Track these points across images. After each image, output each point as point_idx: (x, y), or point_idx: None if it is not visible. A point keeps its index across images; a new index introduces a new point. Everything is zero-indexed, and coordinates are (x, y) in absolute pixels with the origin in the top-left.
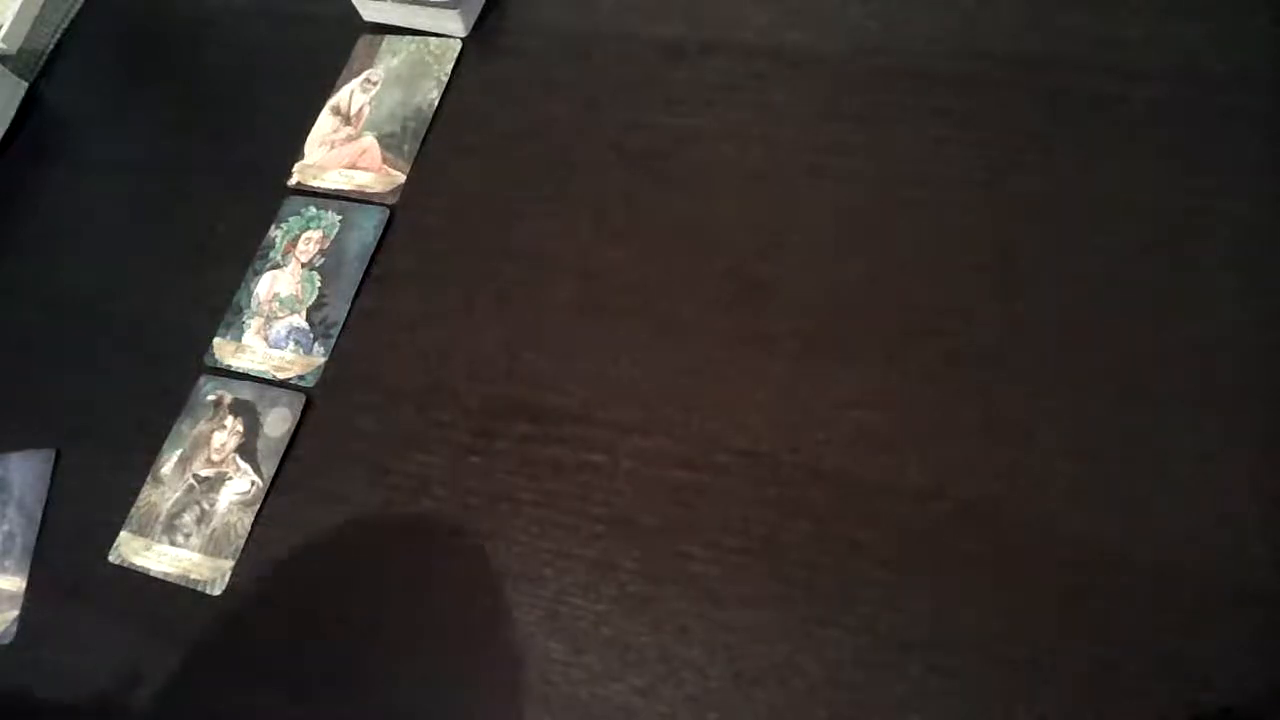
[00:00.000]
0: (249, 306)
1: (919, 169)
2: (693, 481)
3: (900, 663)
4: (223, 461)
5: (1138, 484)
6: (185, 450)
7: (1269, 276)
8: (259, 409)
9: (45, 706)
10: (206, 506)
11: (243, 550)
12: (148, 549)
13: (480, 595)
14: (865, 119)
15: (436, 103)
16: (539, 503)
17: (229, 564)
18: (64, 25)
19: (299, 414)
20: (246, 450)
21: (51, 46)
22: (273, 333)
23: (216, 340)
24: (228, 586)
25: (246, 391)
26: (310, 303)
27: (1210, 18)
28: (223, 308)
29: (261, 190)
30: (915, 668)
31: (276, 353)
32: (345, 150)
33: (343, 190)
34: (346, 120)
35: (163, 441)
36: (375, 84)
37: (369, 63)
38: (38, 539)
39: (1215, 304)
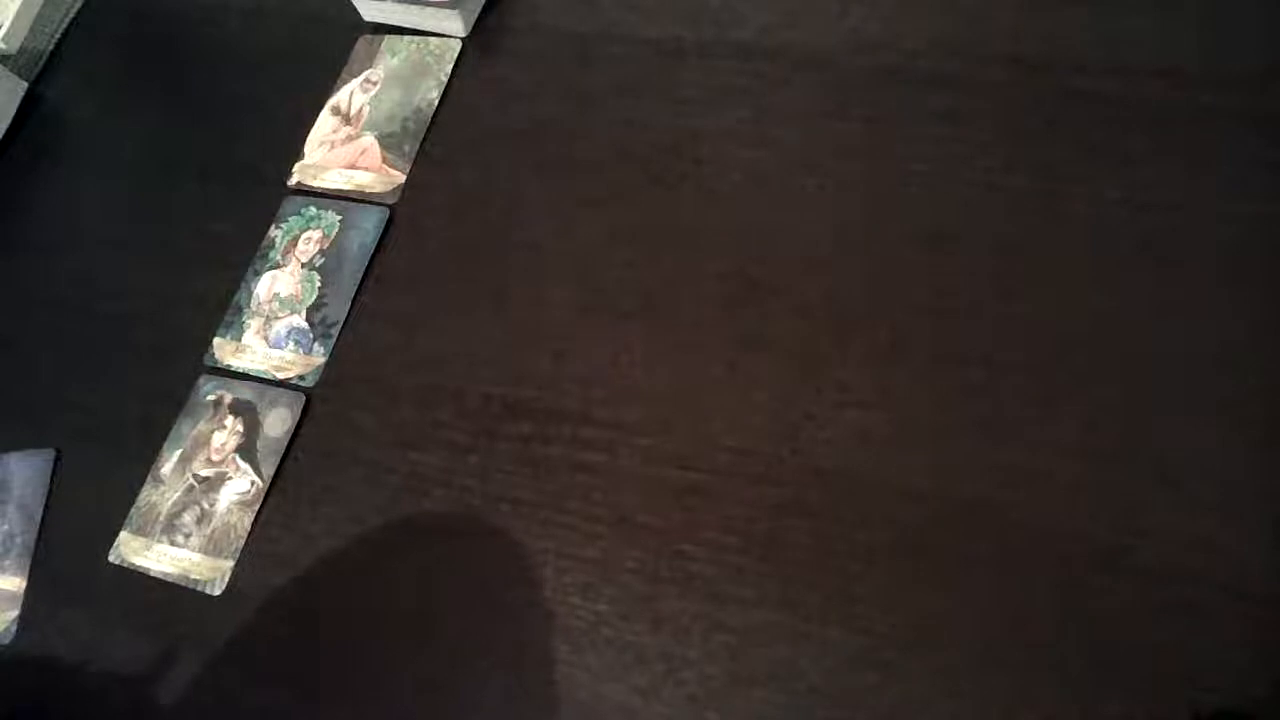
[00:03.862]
0: (249, 306)
1: (919, 169)
2: (693, 481)
3: (900, 663)
4: (223, 461)
5: (1138, 484)
6: (185, 450)
7: (1268, 276)
8: (259, 409)
9: (45, 707)
10: (206, 506)
11: (243, 550)
12: (148, 549)
13: (480, 595)
14: (865, 119)
15: (436, 103)
16: (539, 503)
17: (229, 564)
18: (64, 25)
19: (299, 414)
20: (246, 450)
21: (51, 46)
22: (273, 333)
23: (216, 340)
24: (228, 586)
25: (246, 391)
26: (310, 303)
27: (1210, 18)
28: (223, 308)
29: (261, 190)
30: (915, 668)
31: (276, 353)
32: (345, 150)
33: (343, 190)
34: (346, 120)
35: (163, 441)
36: (375, 84)
37: (369, 63)
38: (38, 539)
39: (1215, 303)
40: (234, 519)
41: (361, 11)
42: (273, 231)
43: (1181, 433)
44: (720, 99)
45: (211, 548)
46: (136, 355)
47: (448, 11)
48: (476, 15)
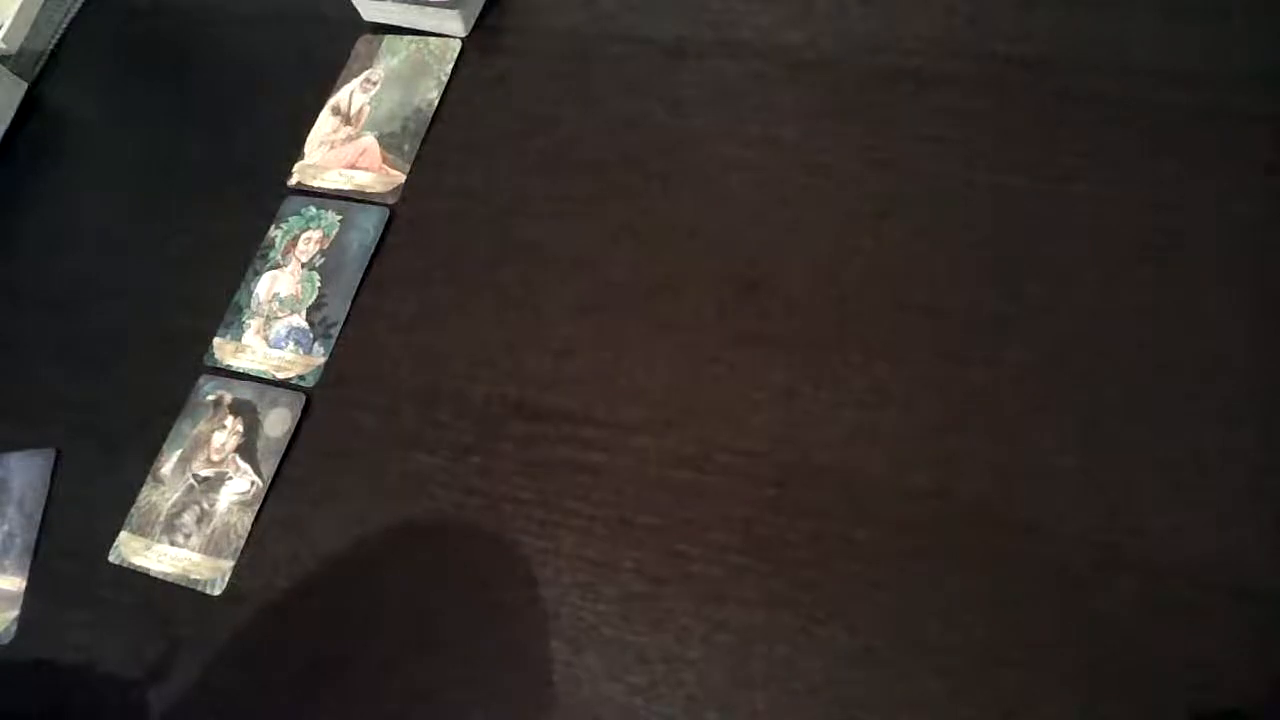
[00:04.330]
0: (249, 306)
1: (919, 169)
2: (693, 481)
3: (900, 663)
4: (223, 461)
5: (1138, 484)
6: (185, 450)
7: (1268, 276)
8: (259, 409)
9: (45, 706)
10: (206, 506)
11: (243, 550)
12: (148, 549)
13: (480, 595)
14: (865, 119)
15: (436, 102)
16: (539, 503)
17: (229, 564)
18: (64, 25)
19: (299, 414)
20: (246, 450)
21: (51, 46)
22: (273, 332)
23: (216, 340)
24: (228, 586)
25: (246, 391)
26: (310, 303)
27: (1209, 18)
28: (223, 308)
29: (261, 190)
30: (915, 667)
31: (276, 353)
32: (345, 150)
33: (343, 190)
34: (346, 120)
35: (163, 441)
36: (375, 84)
37: (369, 63)
38: (38, 539)
39: (1215, 304)
40: (234, 519)
41: (361, 11)
42: (273, 231)
43: (1181, 433)
44: (720, 99)
45: (211, 548)
46: (136, 355)
47: (448, 11)
48: (476, 15)
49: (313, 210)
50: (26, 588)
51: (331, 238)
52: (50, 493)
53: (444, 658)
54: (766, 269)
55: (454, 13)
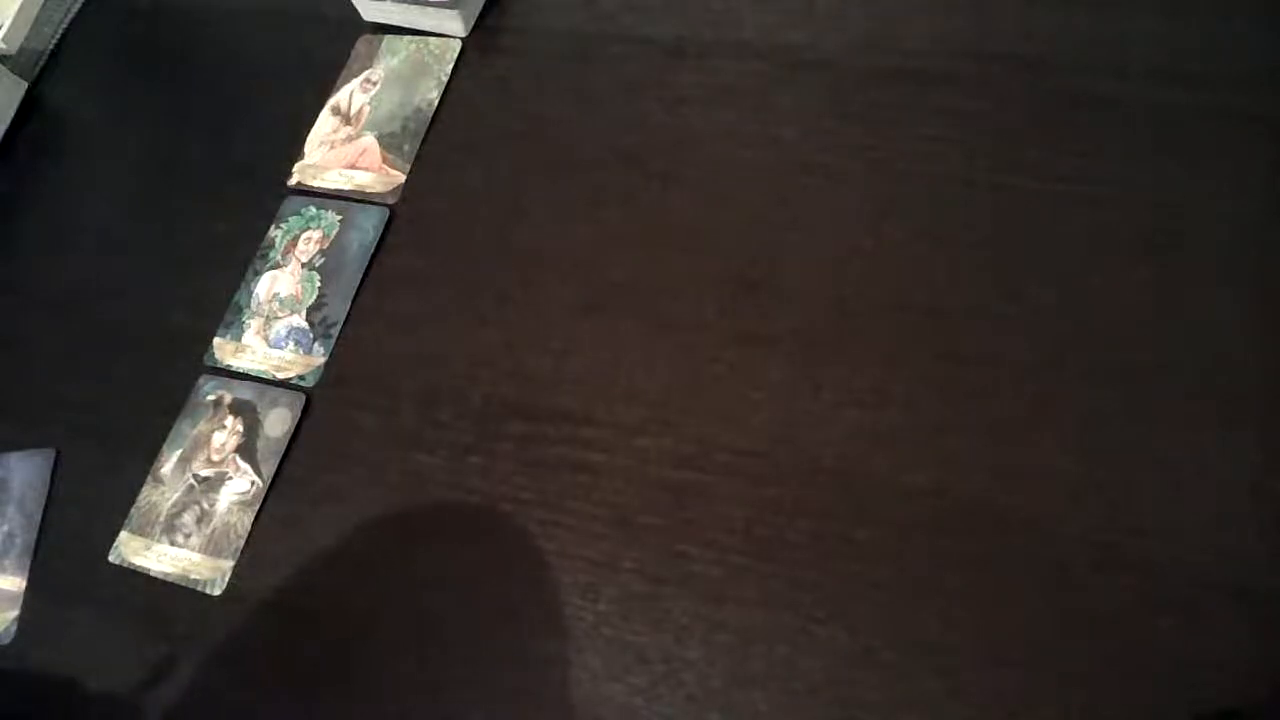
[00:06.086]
0: (249, 306)
1: (918, 169)
2: (693, 481)
3: (900, 663)
4: (223, 461)
5: (1138, 484)
6: (185, 450)
7: (1268, 276)
8: (259, 409)
9: (45, 706)
10: (206, 506)
11: (243, 550)
12: (148, 549)
13: (479, 595)
14: (865, 119)
15: (436, 103)
16: (539, 502)
17: (229, 564)
18: (64, 25)
19: (299, 414)
20: (246, 450)
21: (51, 46)
22: (273, 333)
23: (216, 340)
24: (228, 586)
25: (246, 391)
26: (310, 303)
27: (1209, 18)
28: (223, 308)
29: (261, 190)
30: (915, 667)
31: (276, 353)
32: (345, 150)
33: (343, 190)
34: (346, 120)
35: (163, 441)
36: (375, 84)
37: (369, 63)
38: (38, 539)
39: (1215, 304)
40: (234, 519)
41: (361, 11)
42: (273, 231)
43: (1181, 433)
44: (720, 99)
45: (211, 548)
46: (136, 355)
47: (448, 11)
48: (476, 15)
49: (313, 210)
50: (26, 588)
51: (331, 238)
52: (50, 493)
53: (444, 658)
54: (766, 269)
55: (454, 13)
